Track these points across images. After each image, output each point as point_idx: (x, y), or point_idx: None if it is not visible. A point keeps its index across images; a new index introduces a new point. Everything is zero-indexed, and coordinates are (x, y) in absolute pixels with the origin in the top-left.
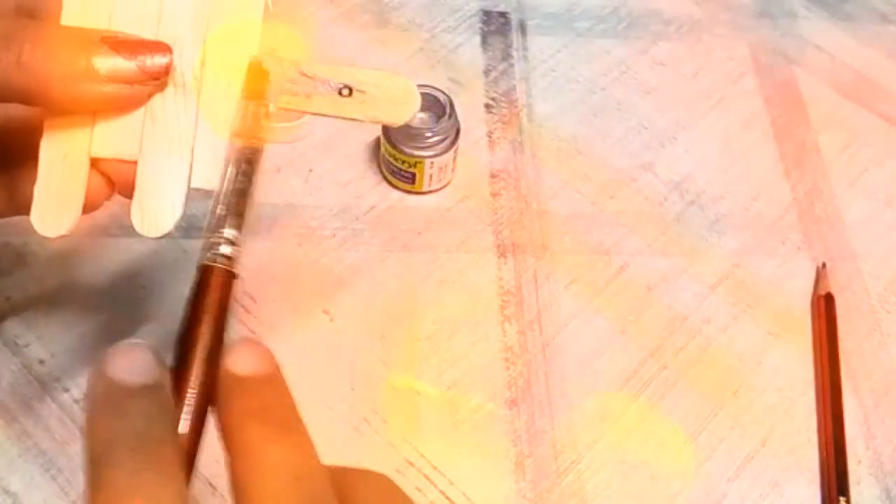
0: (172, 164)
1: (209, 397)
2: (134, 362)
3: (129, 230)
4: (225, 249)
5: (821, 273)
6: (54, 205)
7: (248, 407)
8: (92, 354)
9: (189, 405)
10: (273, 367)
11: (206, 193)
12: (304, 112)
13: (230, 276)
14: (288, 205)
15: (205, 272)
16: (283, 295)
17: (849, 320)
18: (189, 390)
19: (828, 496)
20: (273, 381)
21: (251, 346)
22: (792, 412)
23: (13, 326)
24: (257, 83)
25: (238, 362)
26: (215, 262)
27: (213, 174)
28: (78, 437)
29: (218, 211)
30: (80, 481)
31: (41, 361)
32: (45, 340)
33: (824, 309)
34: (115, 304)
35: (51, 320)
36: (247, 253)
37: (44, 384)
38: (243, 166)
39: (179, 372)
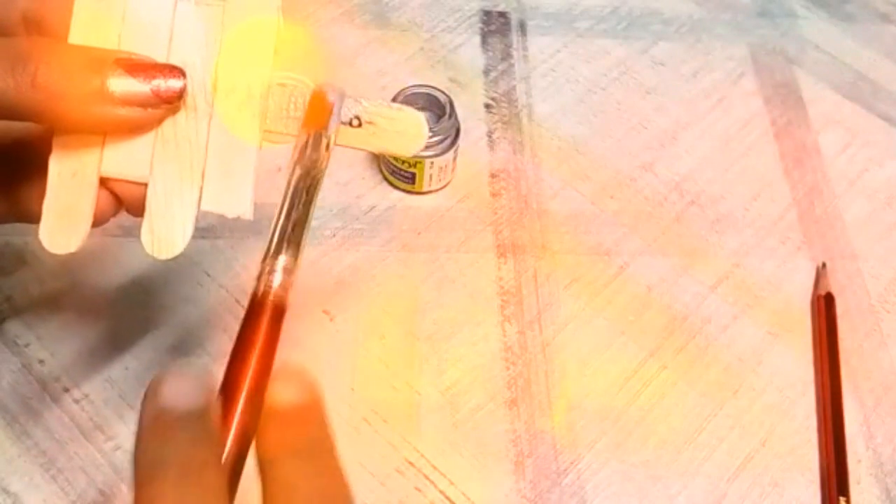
0: (183, 188)
1: (253, 427)
2: (182, 388)
3: (129, 231)
4: (278, 280)
5: (821, 273)
6: (63, 223)
7: (286, 440)
8: (92, 354)
9: (233, 434)
10: (314, 398)
11: (217, 216)
12: None
13: (281, 308)
14: None
15: (256, 303)
16: None
17: (849, 320)
18: (234, 420)
19: (828, 496)
20: (313, 414)
21: (294, 376)
22: (792, 412)
23: (13, 326)
24: (319, 113)
25: (280, 392)
26: (268, 292)
27: (222, 197)
28: (78, 437)
29: (274, 239)
30: (80, 481)
31: (41, 361)
32: (45, 340)
33: (824, 309)
34: (116, 303)
35: (51, 320)
36: (247, 253)
37: (44, 384)
38: (301, 196)
39: (227, 399)
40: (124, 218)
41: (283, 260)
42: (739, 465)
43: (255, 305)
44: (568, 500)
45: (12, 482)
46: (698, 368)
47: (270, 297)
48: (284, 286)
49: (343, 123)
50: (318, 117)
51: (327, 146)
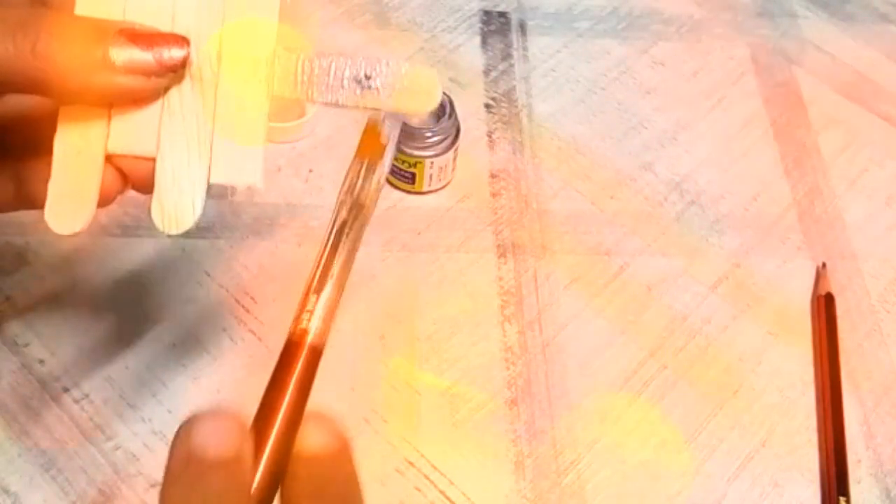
0: (191, 161)
1: (281, 471)
2: (216, 433)
3: (129, 230)
4: (317, 320)
5: (821, 273)
6: (69, 202)
7: (312, 488)
8: (92, 354)
9: (260, 478)
10: (341, 445)
11: (225, 189)
12: (326, 104)
13: (319, 351)
14: (288, 205)
15: (293, 343)
16: (283, 295)
17: (849, 320)
18: (262, 463)
19: (828, 496)
20: (340, 462)
21: (321, 423)
22: (792, 412)
23: (13, 326)
24: (372, 146)
25: (309, 438)
26: (306, 334)
27: (232, 168)
28: (78, 437)
29: (317, 276)
30: (80, 481)
31: (41, 361)
32: (45, 340)
33: (824, 309)
34: (115, 303)
35: (51, 320)
36: (247, 253)
37: (44, 384)
38: (349, 232)
39: (256, 440)
40: (124, 217)
41: (324, 299)
42: (739, 465)
43: (292, 346)
44: (568, 500)
45: (12, 482)
46: (698, 368)
47: (308, 339)
48: (323, 328)
49: (353, 83)
50: (370, 150)
51: (378, 181)
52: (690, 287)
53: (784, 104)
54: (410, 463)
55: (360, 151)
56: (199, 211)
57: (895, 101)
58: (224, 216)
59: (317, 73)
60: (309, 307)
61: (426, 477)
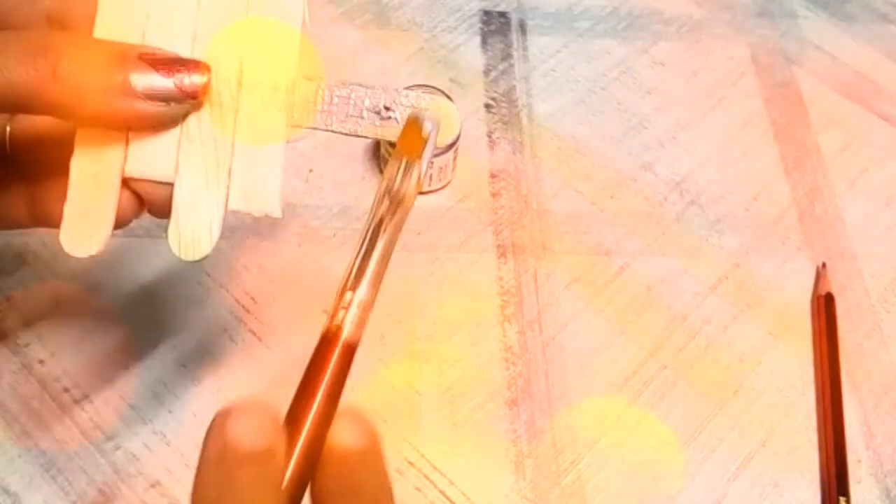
0: (209, 187)
1: (312, 467)
2: (252, 424)
3: (129, 230)
4: (353, 316)
5: (821, 273)
6: (84, 225)
7: (340, 486)
8: (92, 354)
9: (291, 475)
10: (373, 444)
11: (244, 215)
12: (345, 134)
13: (353, 347)
14: (288, 205)
15: (328, 339)
16: (283, 295)
17: (849, 320)
18: (293, 459)
19: (828, 496)
20: (370, 460)
21: (354, 420)
22: (792, 412)
23: (13, 326)
24: (413, 141)
25: (341, 435)
26: (341, 329)
27: (250, 195)
28: (78, 436)
29: (353, 272)
30: (80, 481)
31: (41, 361)
32: (46, 340)
33: (824, 309)
34: (116, 303)
35: (51, 320)
36: (247, 253)
37: (44, 384)
38: (387, 228)
39: (288, 436)
40: None
41: (360, 295)
42: (739, 465)
43: (326, 341)
44: (568, 500)
45: (12, 482)
46: (698, 368)
47: (343, 335)
48: (359, 324)
49: (372, 114)
50: (411, 146)
51: (418, 177)
52: (690, 287)
53: (784, 104)
54: (410, 463)
55: (400, 147)
56: (216, 237)
57: (895, 101)
58: (224, 216)
59: (336, 102)
60: (344, 304)
61: (426, 477)
